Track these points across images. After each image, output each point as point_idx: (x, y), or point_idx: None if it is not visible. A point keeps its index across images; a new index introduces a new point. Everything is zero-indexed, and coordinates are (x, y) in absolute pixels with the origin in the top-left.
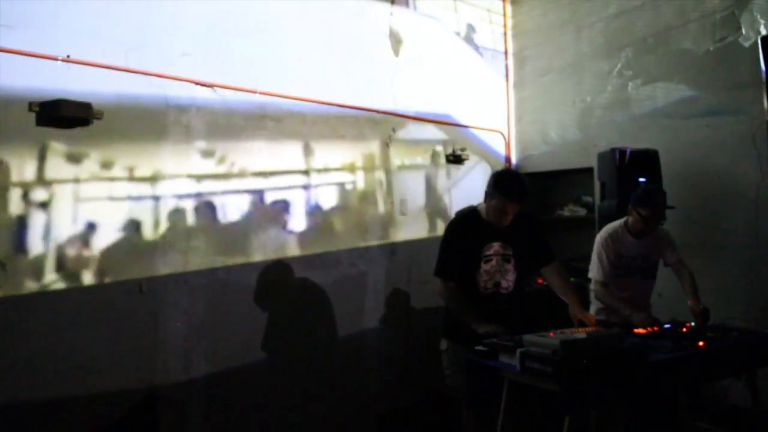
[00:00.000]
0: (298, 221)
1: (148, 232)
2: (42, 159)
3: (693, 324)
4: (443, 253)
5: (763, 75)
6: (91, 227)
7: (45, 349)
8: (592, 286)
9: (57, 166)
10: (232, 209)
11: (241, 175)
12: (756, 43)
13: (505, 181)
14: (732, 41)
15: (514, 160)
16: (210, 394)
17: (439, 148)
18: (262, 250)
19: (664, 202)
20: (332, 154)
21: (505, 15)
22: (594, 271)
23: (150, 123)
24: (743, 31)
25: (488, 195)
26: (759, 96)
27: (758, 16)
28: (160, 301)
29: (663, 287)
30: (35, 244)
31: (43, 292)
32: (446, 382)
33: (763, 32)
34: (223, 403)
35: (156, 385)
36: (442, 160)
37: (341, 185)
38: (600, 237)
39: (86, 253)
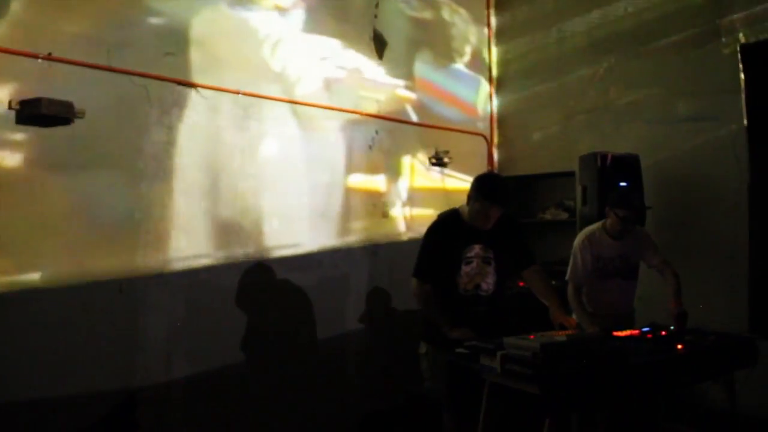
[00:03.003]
0: (281, 222)
1: (128, 232)
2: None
3: (672, 327)
4: (423, 254)
5: (742, 82)
6: (71, 225)
7: (23, 349)
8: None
9: (37, 161)
10: (215, 209)
11: (224, 173)
12: (735, 50)
13: (489, 185)
14: (712, 48)
15: (496, 163)
16: (190, 395)
17: (423, 151)
18: (243, 251)
19: (640, 203)
20: (315, 155)
21: (489, 19)
22: (568, 272)
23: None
24: (723, 39)
25: (471, 198)
26: (738, 102)
27: (738, 25)
28: (140, 301)
29: (643, 290)
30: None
31: (22, 291)
32: (425, 386)
33: (743, 40)
34: (203, 404)
35: (136, 386)
36: (425, 162)
37: (323, 186)
38: (578, 239)
39: (66, 251)
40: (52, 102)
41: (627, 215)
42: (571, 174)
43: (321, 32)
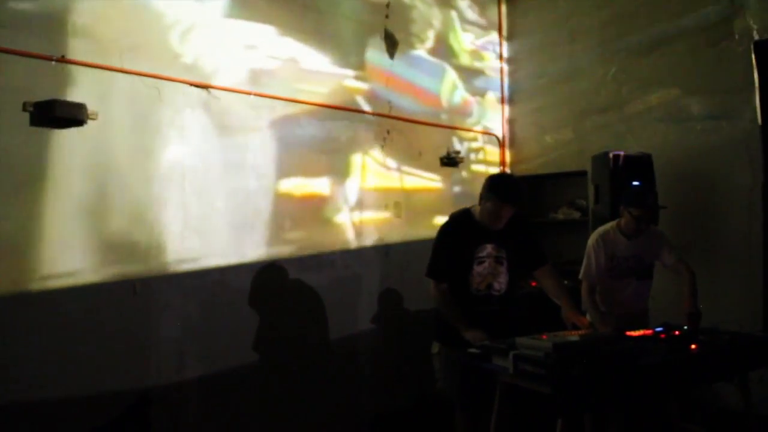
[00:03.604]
0: (291, 222)
1: (142, 233)
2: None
3: (686, 327)
4: (436, 254)
5: (756, 80)
6: (84, 227)
7: (38, 349)
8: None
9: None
10: (227, 209)
11: (236, 174)
12: (749, 48)
13: (501, 185)
14: (725, 46)
15: (508, 162)
16: (203, 395)
17: (434, 151)
18: (255, 252)
19: (655, 202)
20: (327, 155)
21: (500, 19)
22: (581, 272)
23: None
24: (736, 37)
25: (483, 197)
26: (751, 101)
27: (751, 22)
28: (154, 302)
29: (656, 291)
30: (27, 243)
31: (36, 292)
32: (438, 385)
33: (756, 38)
34: (216, 404)
35: (149, 386)
36: (437, 162)
37: (336, 187)
38: (592, 238)
39: (80, 253)
40: (64, 104)
41: (641, 214)
42: (583, 173)
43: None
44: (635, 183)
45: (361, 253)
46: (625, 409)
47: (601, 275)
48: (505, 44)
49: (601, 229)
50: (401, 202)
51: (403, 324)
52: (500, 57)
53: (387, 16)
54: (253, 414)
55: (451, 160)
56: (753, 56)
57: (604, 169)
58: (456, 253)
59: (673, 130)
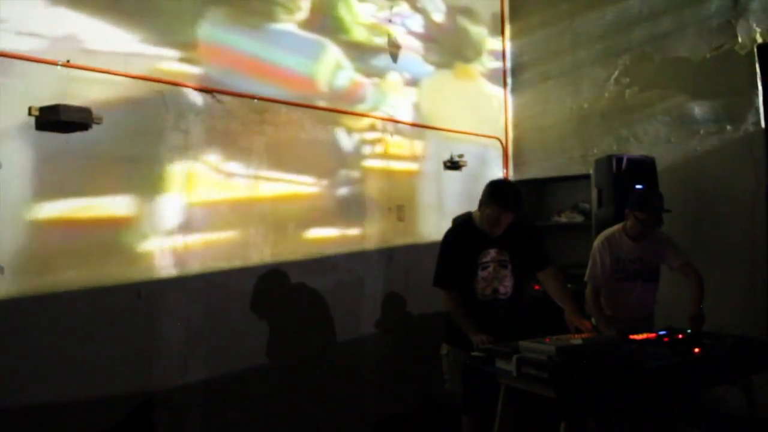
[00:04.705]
0: (295, 226)
1: (146, 237)
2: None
3: (689, 330)
4: (440, 263)
5: (759, 83)
6: (89, 231)
7: (43, 352)
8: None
9: (54, 169)
10: (229, 213)
11: (239, 178)
12: (752, 51)
13: (501, 191)
14: (728, 49)
15: (511, 166)
16: (207, 399)
17: (437, 155)
18: (259, 255)
19: (660, 205)
20: (330, 159)
21: (503, 22)
22: (586, 274)
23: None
24: (739, 39)
25: (483, 204)
26: (755, 103)
27: (754, 25)
28: (158, 305)
29: (660, 294)
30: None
31: (42, 296)
32: (446, 386)
33: (759, 40)
34: (220, 408)
35: (153, 389)
36: (440, 166)
37: (340, 191)
38: (597, 240)
39: (85, 257)
40: (69, 108)
41: (647, 218)
42: (586, 177)
43: None
44: (638, 187)
45: (364, 256)
46: (629, 412)
47: (607, 278)
48: (508, 46)
49: (606, 231)
50: (404, 205)
51: (406, 327)
52: (503, 59)
53: (390, 20)
54: (256, 417)
55: (454, 164)
56: (756, 59)
57: (607, 173)
58: (460, 261)
59: (676, 133)
